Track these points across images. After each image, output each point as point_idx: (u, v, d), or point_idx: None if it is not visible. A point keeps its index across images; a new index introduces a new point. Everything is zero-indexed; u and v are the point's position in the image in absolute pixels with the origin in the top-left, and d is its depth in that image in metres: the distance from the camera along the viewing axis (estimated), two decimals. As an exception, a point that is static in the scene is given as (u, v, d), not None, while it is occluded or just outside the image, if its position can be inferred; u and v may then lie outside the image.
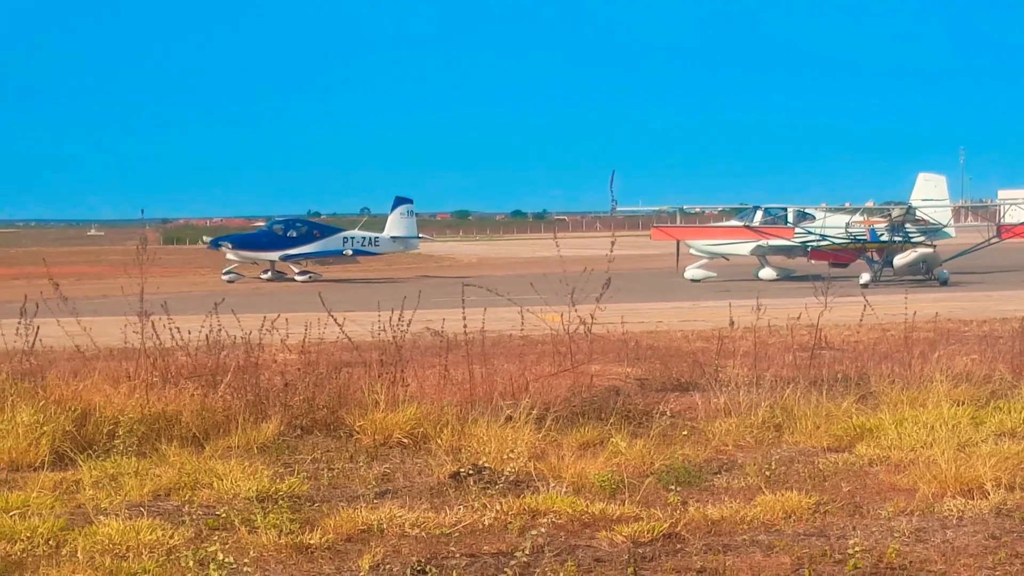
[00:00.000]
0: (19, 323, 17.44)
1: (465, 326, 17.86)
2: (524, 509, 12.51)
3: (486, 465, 14.09)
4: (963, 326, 29.86)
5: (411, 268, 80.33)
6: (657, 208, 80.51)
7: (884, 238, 57.13)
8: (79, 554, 11.06)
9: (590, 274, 18.64)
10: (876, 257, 57.12)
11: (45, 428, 15.12)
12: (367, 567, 10.67)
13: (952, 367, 18.83)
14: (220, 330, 18.05)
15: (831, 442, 15.82)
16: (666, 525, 11.86)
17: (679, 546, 11.46)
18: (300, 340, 18.75)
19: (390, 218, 76.41)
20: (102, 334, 19.13)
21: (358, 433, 16.24)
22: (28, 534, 11.59)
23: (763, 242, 60.27)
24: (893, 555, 10.93)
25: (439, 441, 15.65)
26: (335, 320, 17.94)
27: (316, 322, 18.34)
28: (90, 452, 14.93)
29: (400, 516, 12.18)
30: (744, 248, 61.10)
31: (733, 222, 63.93)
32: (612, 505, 12.64)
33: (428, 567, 10.63)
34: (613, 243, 20.17)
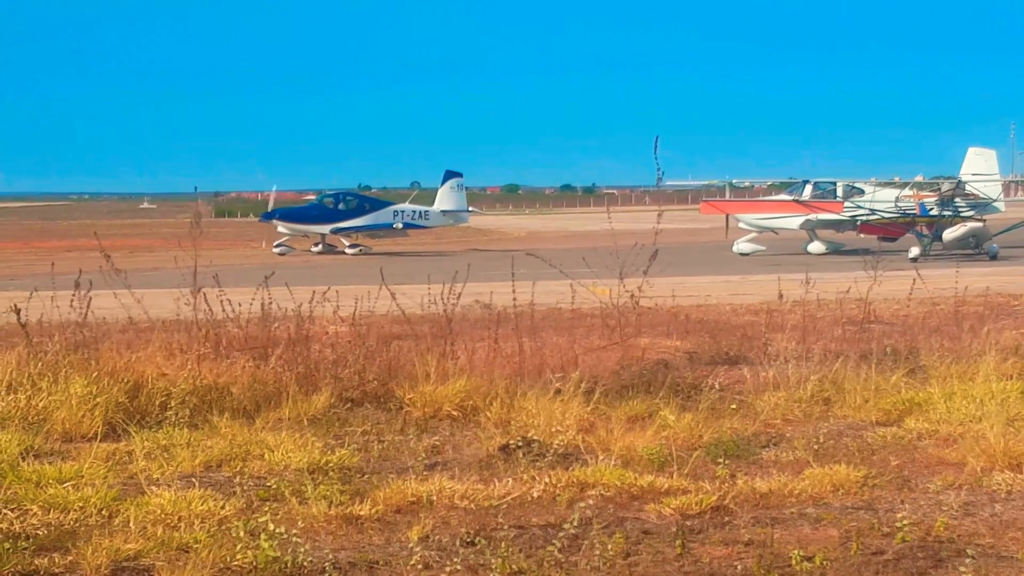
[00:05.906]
0: (73, 295, 17.54)
1: (515, 299, 17.88)
2: (573, 482, 12.55)
3: (535, 438, 14.12)
4: (1012, 300, 29.72)
5: (460, 241, 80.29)
6: (706, 182, 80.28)
7: (934, 212, 56.90)
8: (131, 524, 11.16)
9: (640, 248, 18.58)
10: (925, 231, 56.88)
11: (98, 399, 15.25)
12: (416, 538, 10.73)
13: (1001, 341, 18.77)
14: (271, 302, 18.15)
15: (880, 416, 15.79)
16: (714, 498, 11.89)
17: (727, 519, 11.50)
18: (351, 313, 18.81)
19: (440, 192, 76.44)
20: (154, 306, 19.26)
21: (408, 406, 16.29)
22: (81, 504, 11.69)
23: (812, 216, 60.12)
24: (941, 529, 10.95)
25: (488, 414, 15.70)
26: (390, 293, 17.99)
27: (366, 295, 18.40)
28: (142, 423, 15.04)
29: (449, 488, 12.24)
30: (793, 222, 60.90)
31: (782, 196, 63.75)
32: (660, 478, 12.68)
33: (477, 539, 10.67)
34: (660, 214, 20.18)
